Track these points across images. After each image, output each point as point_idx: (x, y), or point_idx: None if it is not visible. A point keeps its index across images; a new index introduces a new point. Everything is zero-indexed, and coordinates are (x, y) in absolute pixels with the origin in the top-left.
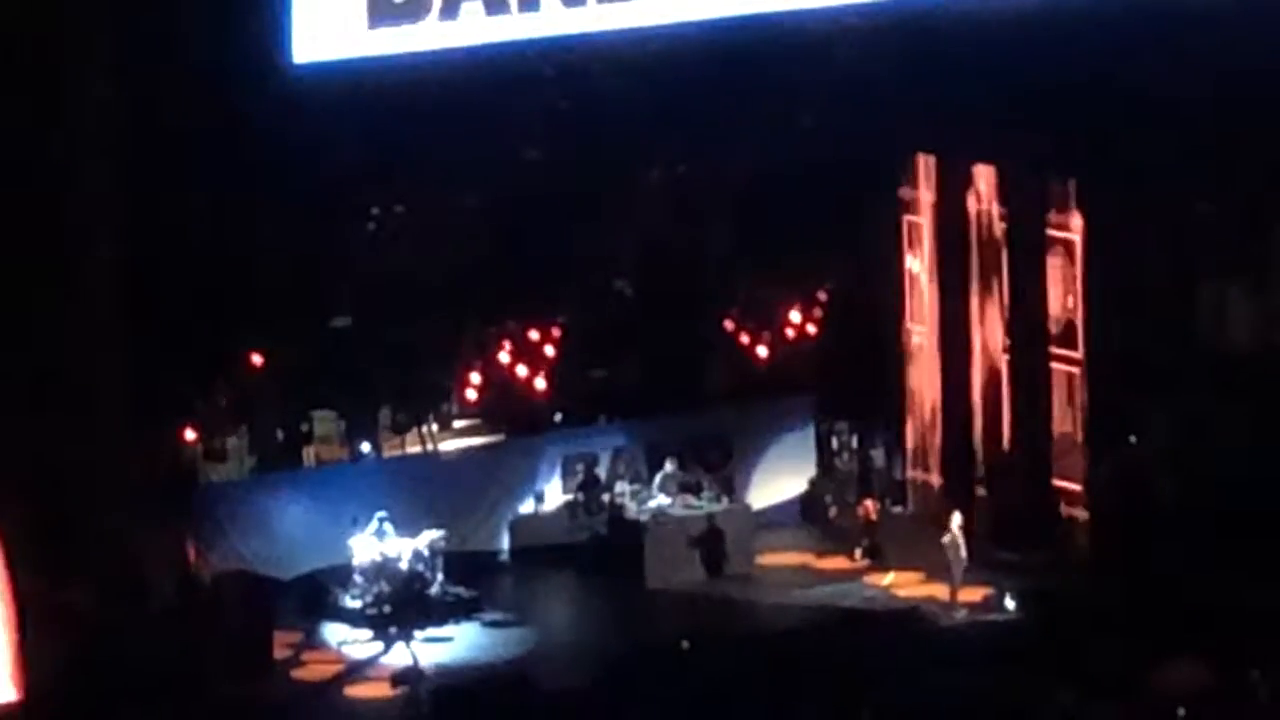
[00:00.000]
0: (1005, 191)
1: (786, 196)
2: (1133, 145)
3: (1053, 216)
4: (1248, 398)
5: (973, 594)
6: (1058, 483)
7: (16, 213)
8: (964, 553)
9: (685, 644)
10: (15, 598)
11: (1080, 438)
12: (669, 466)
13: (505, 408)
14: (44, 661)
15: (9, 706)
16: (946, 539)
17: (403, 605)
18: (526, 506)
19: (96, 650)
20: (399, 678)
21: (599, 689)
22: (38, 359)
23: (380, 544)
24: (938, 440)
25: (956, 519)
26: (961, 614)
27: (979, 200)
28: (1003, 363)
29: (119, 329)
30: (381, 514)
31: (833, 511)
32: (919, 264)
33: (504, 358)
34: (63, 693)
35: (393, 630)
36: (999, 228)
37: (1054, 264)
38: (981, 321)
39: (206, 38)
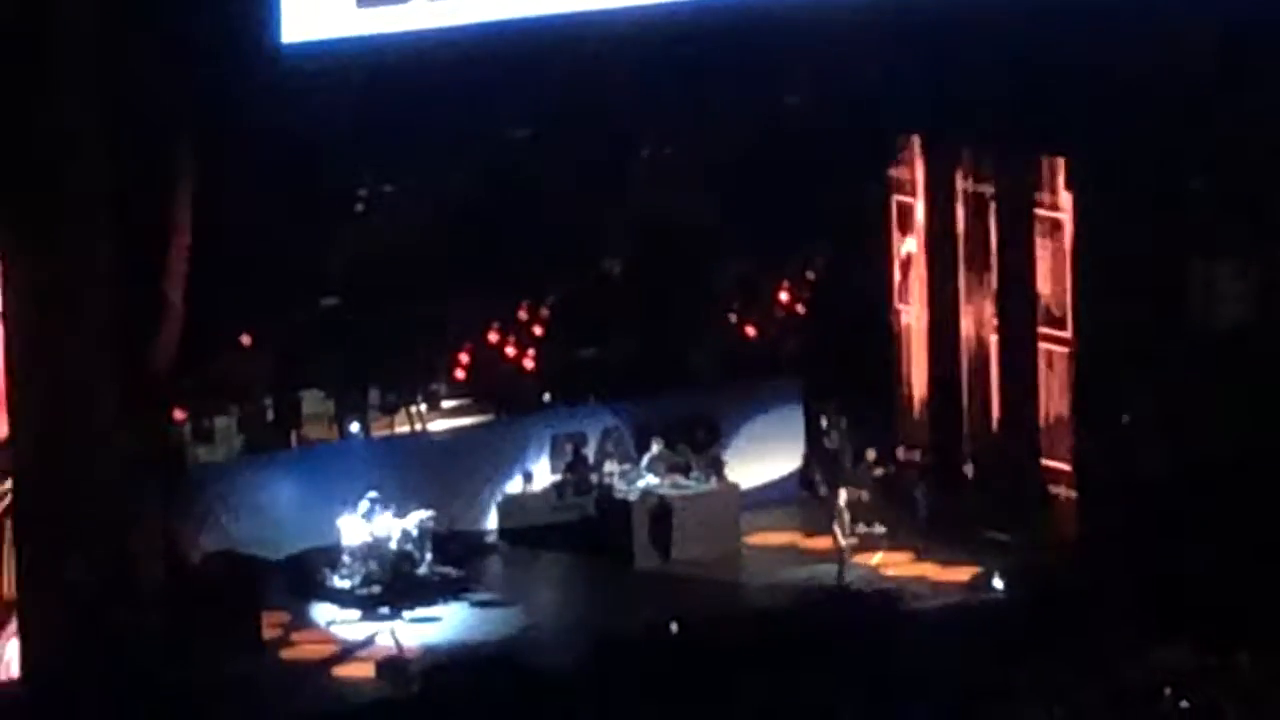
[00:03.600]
0: (995, 171)
1: (775, 176)
2: (1123, 123)
3: (1042, 196)
4: (1239, 376)
5: (960, 573)
6: (1047, 462)
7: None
8: (846, 528)
9: (675, 626)
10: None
11: (1070, 417)
12: (656, 447)
13: (494, 387)
14: (37, 643)
15: (8, 684)
16: (842, 519)
17: (391, 586)
18: (515, 486)
19: (87, 631)
20: (386, 658)
21: (588, 669)
22: (29, 344)
23: (369, 524)
24: (927, 420)
25: (844, 495)
26: (853, 575)
27: (968, 180)
28: (992, 342)
29: (107, 309)
30: (370, 494)
31: (822, 490)
32: (908, 244)
33: (493, 337)
34: (55, 673)
35: (381, 610)
36: (989, 207)
37: (1044, 243)
38: (971, 301)
39: (194, 17)
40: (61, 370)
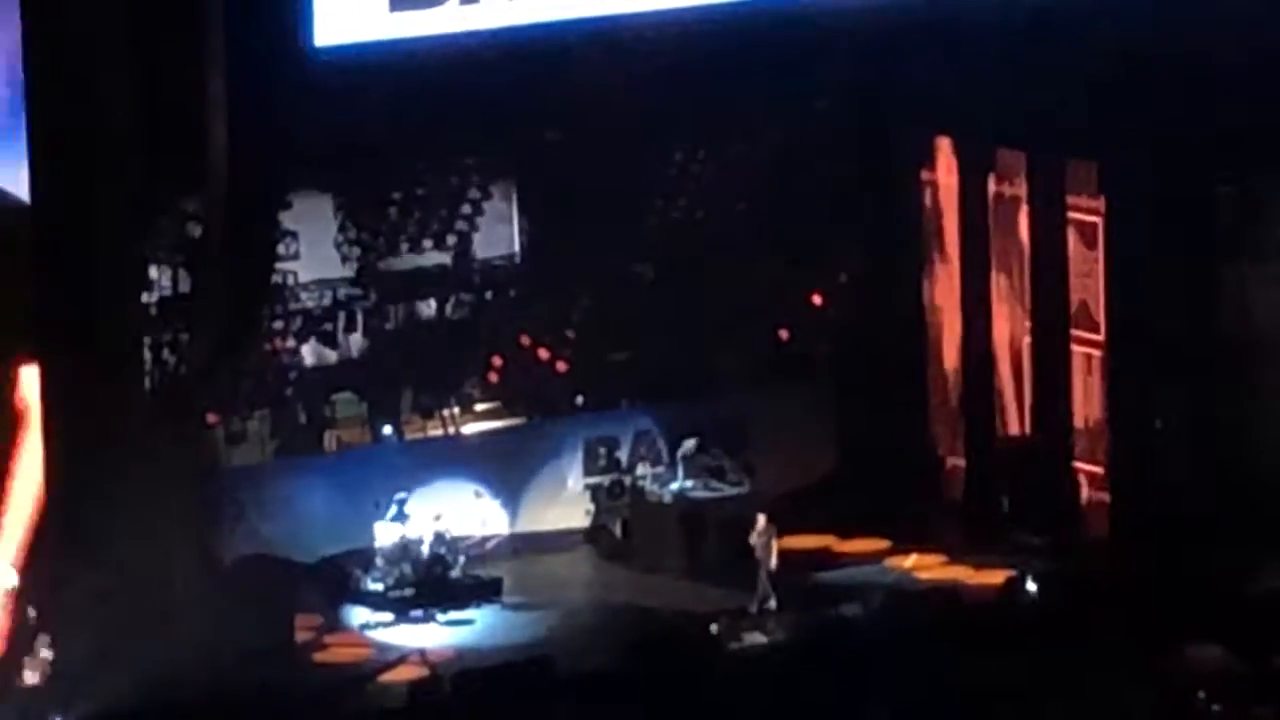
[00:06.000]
0: (1026, 174)
1: (808, 178)
2: (1154, 127)
3: (1074, 199)
4: (1270, 379)
5: (993, 576)
6: (1079, 465)
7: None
8: (773, 559)
9: (714, 627)
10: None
11: (1102, 421)
12: (688, 448)
13: (527, 391)
14: (69, 647)
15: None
16: (754, 538)
17: (424, 588)
18: (548, 489)
19: (121, 635)
20: (416, 679)
21: (620, 672)
22: (61, 344)
23: (402, 527)
24: (960, 423)
25: (762, 520)
26: (762, 635)
27: (1001, 183)
28: (1024, 345)
29: (141, 314)
30: (402, 497)
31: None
32: (940, 247)
33: (525, 341)
34: (87, 677)
35: (414, 613)
36: (1021, 210)
37: (1075, 246)
38: (1003, 304)
39: (229, 21)
40: (95, 374)
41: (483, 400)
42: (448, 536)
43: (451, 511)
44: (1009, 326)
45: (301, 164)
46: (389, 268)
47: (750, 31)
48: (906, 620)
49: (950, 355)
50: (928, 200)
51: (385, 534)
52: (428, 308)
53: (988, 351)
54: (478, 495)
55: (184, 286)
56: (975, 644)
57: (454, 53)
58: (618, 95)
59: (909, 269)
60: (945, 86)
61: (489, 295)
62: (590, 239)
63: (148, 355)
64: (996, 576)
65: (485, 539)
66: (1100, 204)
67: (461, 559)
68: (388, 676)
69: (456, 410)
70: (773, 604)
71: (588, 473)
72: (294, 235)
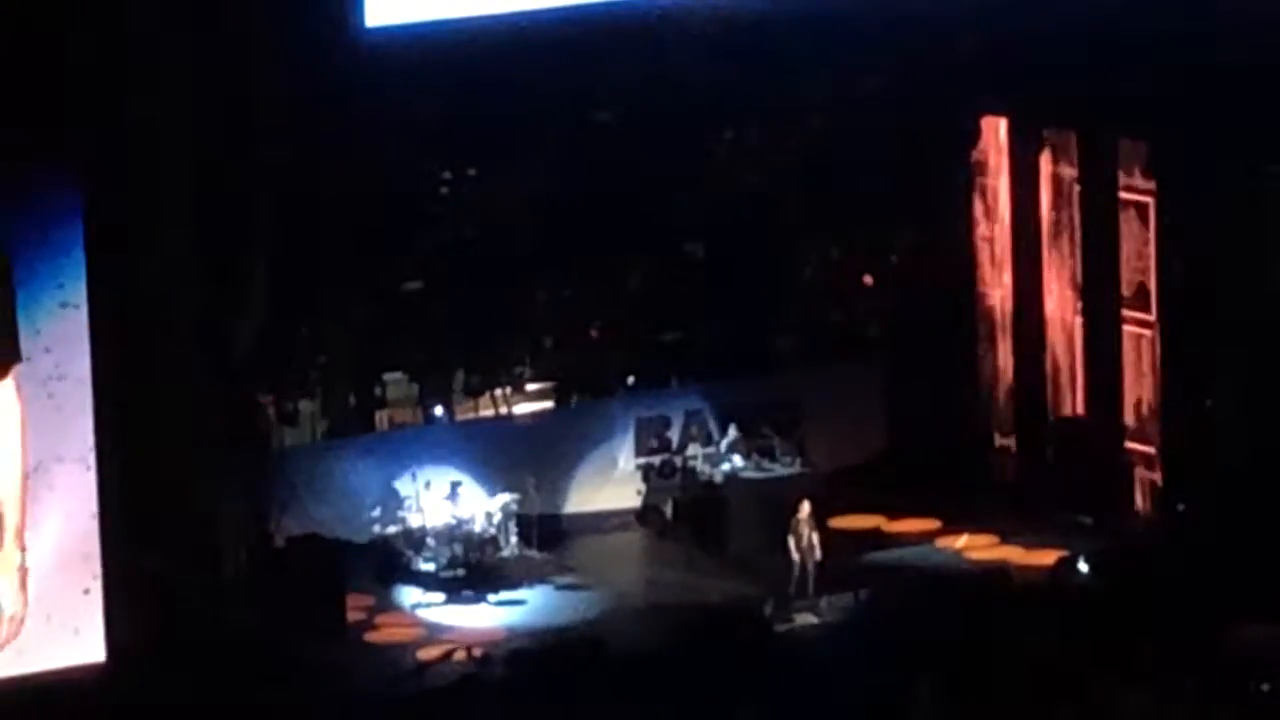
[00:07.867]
0: (1078, 154)
1: (859, 158)
2: (1206, 105)
3: (1126, 179)
4: None
5: (1045, 557)
6: (1132, 445)
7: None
8: (817, 549)
9: (769, 606)
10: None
11: (1154, 400)
12: (734, 431)
13: (578, 371)
14: (123, 627)
15: (94, 669)
16: (798, 530)
17: (475, 569)
18: (599, 469)
19: (172, 616)
20: (463, 674)
21: (673, 652)
22: (114, 330)
23: (453, 507)
24: (1012, 403)
25: (806, 507)
26: (813, 616)
27: (1052, 163)
28: (1076, 326)
29: (190, 293)
30: (454, 477)
31: None
32: (992, 227)
33: (576, 321)
34: (141, 658)
35: (465, 593)
36: (1072, 190)
37: (1127, 226)
38: (1055, 284)
39: (277, 2)
40: (146, 355)
41: (534, 380)
42: (499, 517)
43: (502, 491)
44: (1061, 306)
45: (351, 145)
46: (439, 248)
47: (800, 12)
48: (957, 601)
49: (1002, 335)
50: (979, 180)
51: (436, 514)
52: (478, 287)
53: (1040, 331)
54: (529, 475)
55: (234, 268)
56: (1026, 624)
57: (505, 33)
58: (669, 73)
59: (961, 249)
60: (998, 65)
61: (540, 275)
62: (641, 218)
63: (198, 336)
64: (1048, 557)
65: (536, 519)
66: (1153, 184)
67: (513, 539)
68: (438, 656)
69: (508, 390)
70: (810, 590)
71: (639, 453)
72: (344, 217)
